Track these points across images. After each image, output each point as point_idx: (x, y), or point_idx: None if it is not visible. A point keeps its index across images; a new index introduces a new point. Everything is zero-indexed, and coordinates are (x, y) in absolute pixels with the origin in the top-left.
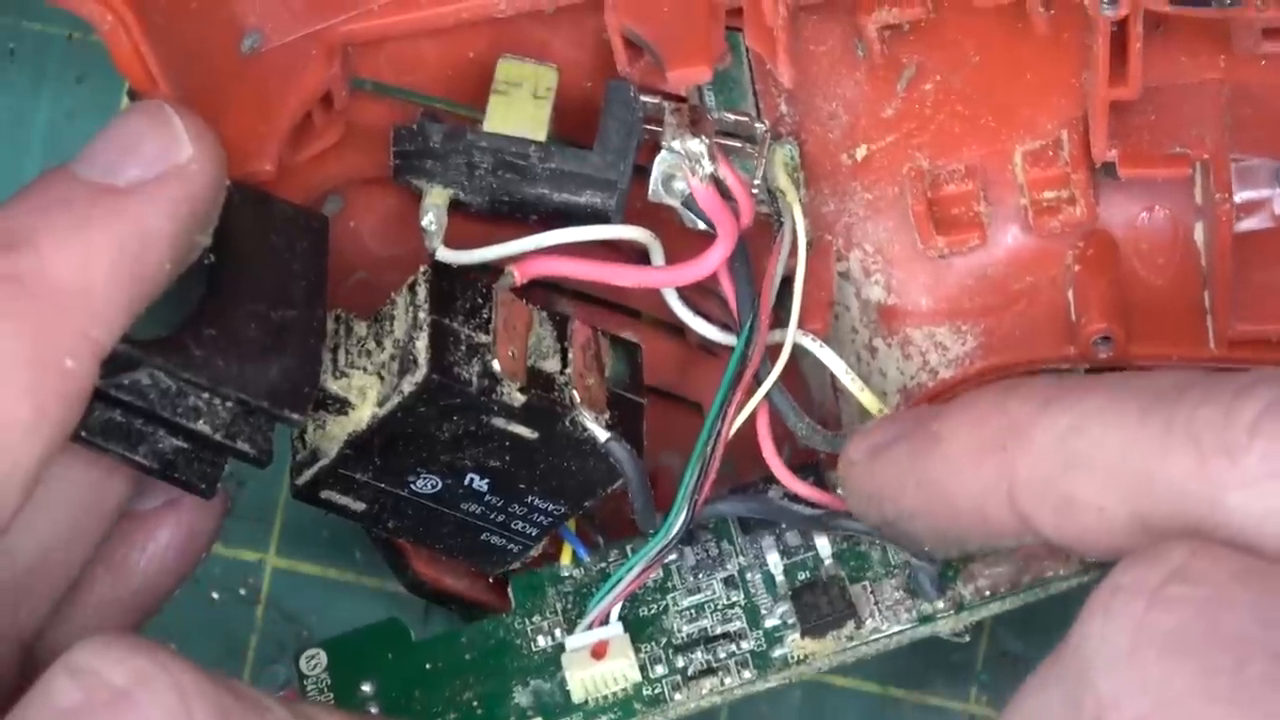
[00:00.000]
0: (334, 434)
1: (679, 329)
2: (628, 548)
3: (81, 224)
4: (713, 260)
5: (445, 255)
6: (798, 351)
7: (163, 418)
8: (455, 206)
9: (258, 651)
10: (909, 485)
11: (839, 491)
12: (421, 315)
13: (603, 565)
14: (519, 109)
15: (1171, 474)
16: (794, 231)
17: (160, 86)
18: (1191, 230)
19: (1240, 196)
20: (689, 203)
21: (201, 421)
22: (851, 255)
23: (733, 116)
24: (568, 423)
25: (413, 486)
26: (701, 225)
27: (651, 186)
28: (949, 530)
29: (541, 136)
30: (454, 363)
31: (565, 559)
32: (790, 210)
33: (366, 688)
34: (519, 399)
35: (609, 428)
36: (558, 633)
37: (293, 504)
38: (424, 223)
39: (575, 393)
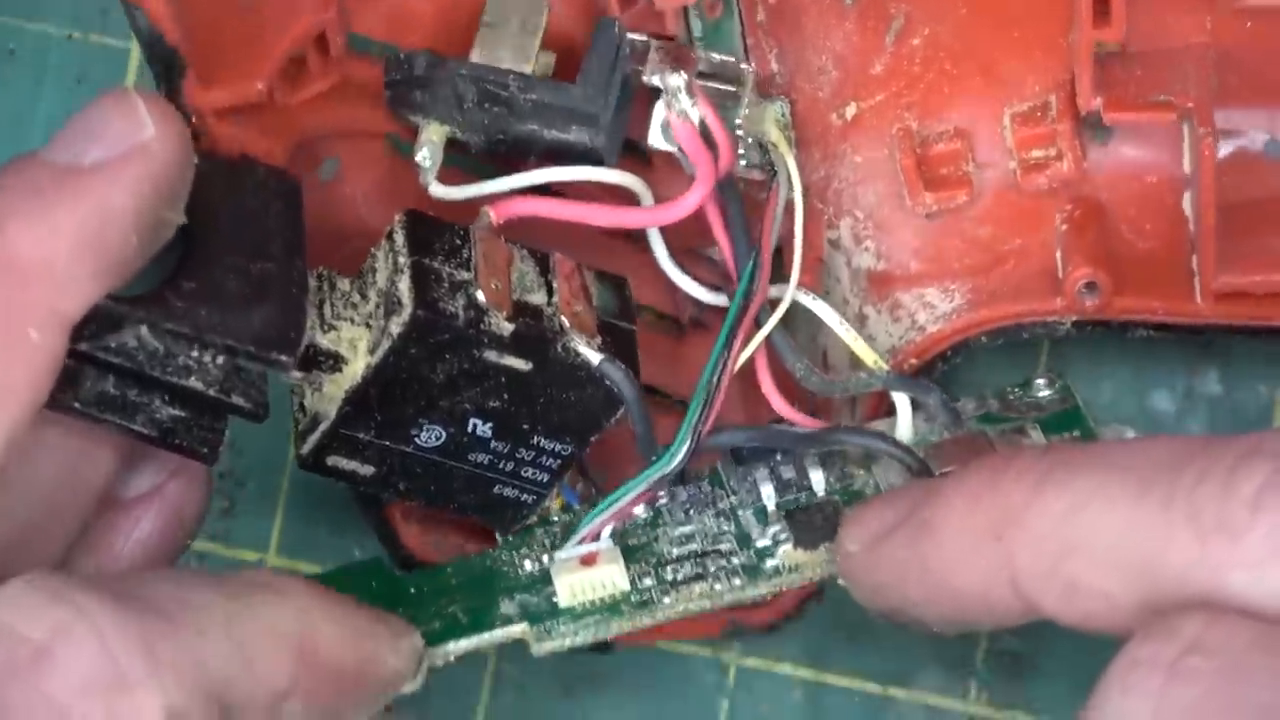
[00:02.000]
0: (331, 394)
1: (672, 321)
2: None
3: (44, 203)
4: (691, 200)
5: (438, 191)
6: (790, 308)
7: (154, 378)
8: (453, 146)
9: None
10: (910, 576)
11: (840, 581)
12: (401, 260)
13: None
14: (506, 41)
15: (1172, 556)
16: (789, 182)
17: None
18: (1181, 196)
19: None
20: None
21: (193, 379)
22: (842, 223)
23: (718, 57)
24: (559, 349)
25: (417, 441)
26: None
27: (651, 132)
28: (956, 616)
29: (528, 68)
30: (438, 298)
31: (556, 504)
32: (784, 161)
33: None
34: (507, 328)
35: (601, 351)
36: (545, 559)
37: (293, 504)
38: (418, 158)
39: (564, 318)
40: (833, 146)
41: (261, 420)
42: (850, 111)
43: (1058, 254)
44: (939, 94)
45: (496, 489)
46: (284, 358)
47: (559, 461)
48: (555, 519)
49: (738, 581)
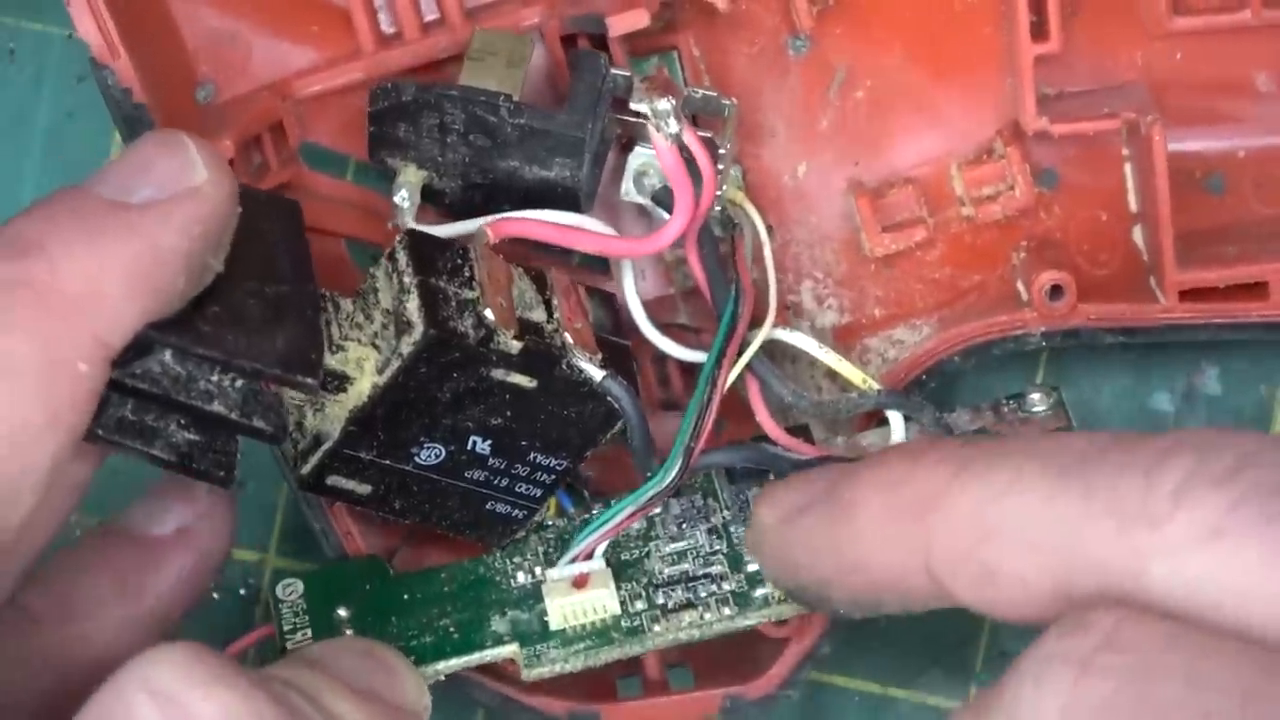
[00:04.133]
0: (335, 414)
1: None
2: (612, 502)
3: (94, 235)
4: (673, 229)
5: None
6: (768, 349)
7: (178, 403)
8: (428, 196)
9: (258, 651)
10: (823, 554)
11: (748, 553)
12: (407, 279)
13: (586, 517)
14: (492, 74)
15: (1092, 545)
16: (755, 228)
17: (121, 57)
18: (1130, 230)
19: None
20: (659, 196)
21: (216, 403)
22: (803, 287)
23: (701, 91)
24: (564, 366)
25: (417, 459)
26: None
27: (624, 184)
28: (865, 597)
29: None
30: (448, 317)
31: (550, 510)
32: (747, 212)
33: (342, 612)
34: (515, 346)
35: (603, 367)
36: (538, 570)
37: (293, 504)
38: (396, 199)
39: (567, 336)
40: (787, 210)
41: (281, 442)
42: (802, 170)
43: (1018, 282)
44: (886, 144)
45: (489, 505)
46: (309, 380)
47: (553, 476)
48: (550, 523)
49: (727, 611)
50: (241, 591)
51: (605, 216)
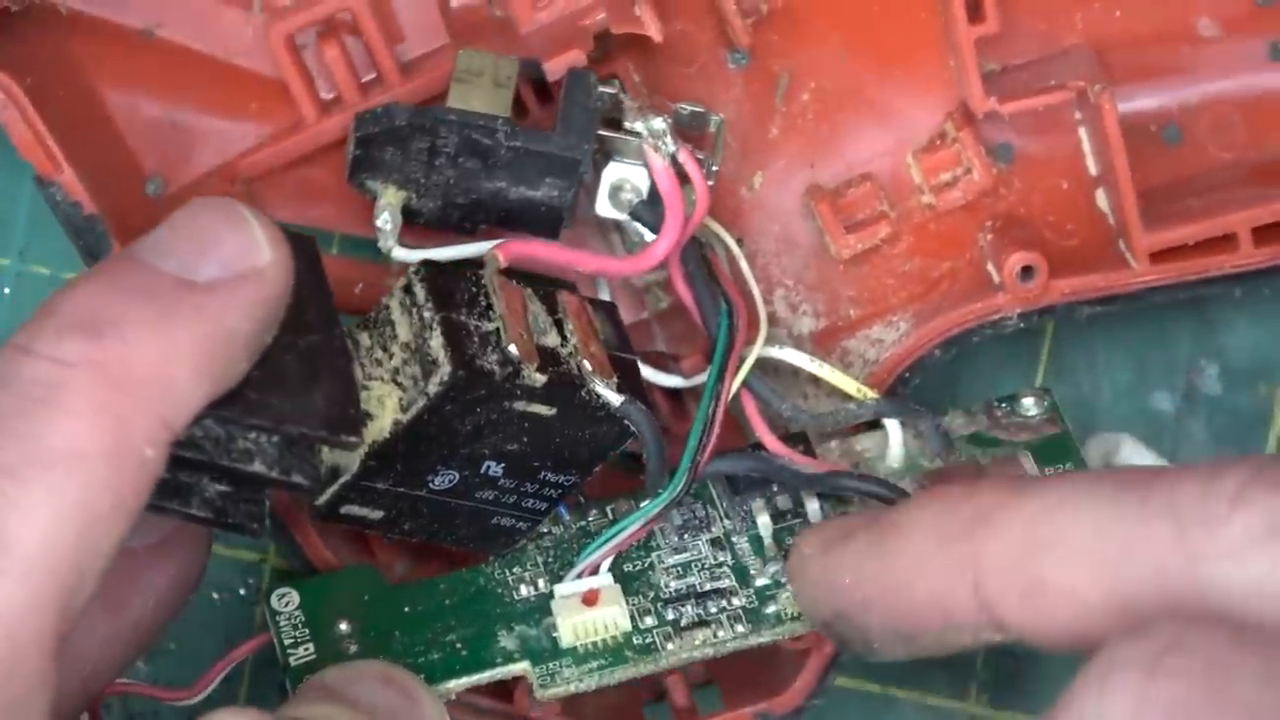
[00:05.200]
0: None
1: None
2: (608, 508)
3: (164, 317)
4: (661, 248)
5: (400, 255)
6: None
7: (221, 466)
8: (404, 215)
9: (257, 651)
10: (865, 574)
11: (788, 585)
12: (428, 315)
13: (583, 523)
14: (480, 95)
15: (1148, 548)
16: (724, 245)
17: (64, 171)
18: (1093, 196)
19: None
20: (638, 212)
21: (256, 462)
22: (775, 295)
23: (688, 107)
24: (584, 394)
25: (431, 485)
26: (649, 236)
27: (599, 199)
28: (904, 623)
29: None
30: (474, 356)
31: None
32: (710, 228)
33: (343, 627)
34: (539, 379)
35: (620, 391)
36: (540, 583)
37: None
38: (378, 222)
39: (586, 363)
40: (749, 222)
41: (318, 495)
42: (758, 181)
43: (988, 265)
44: (838, 143)
45: (495, 520)
46: (353, 438)
47: (561, 491)
48: (547, 530)
49: (741, 628)
50: (241, 591)
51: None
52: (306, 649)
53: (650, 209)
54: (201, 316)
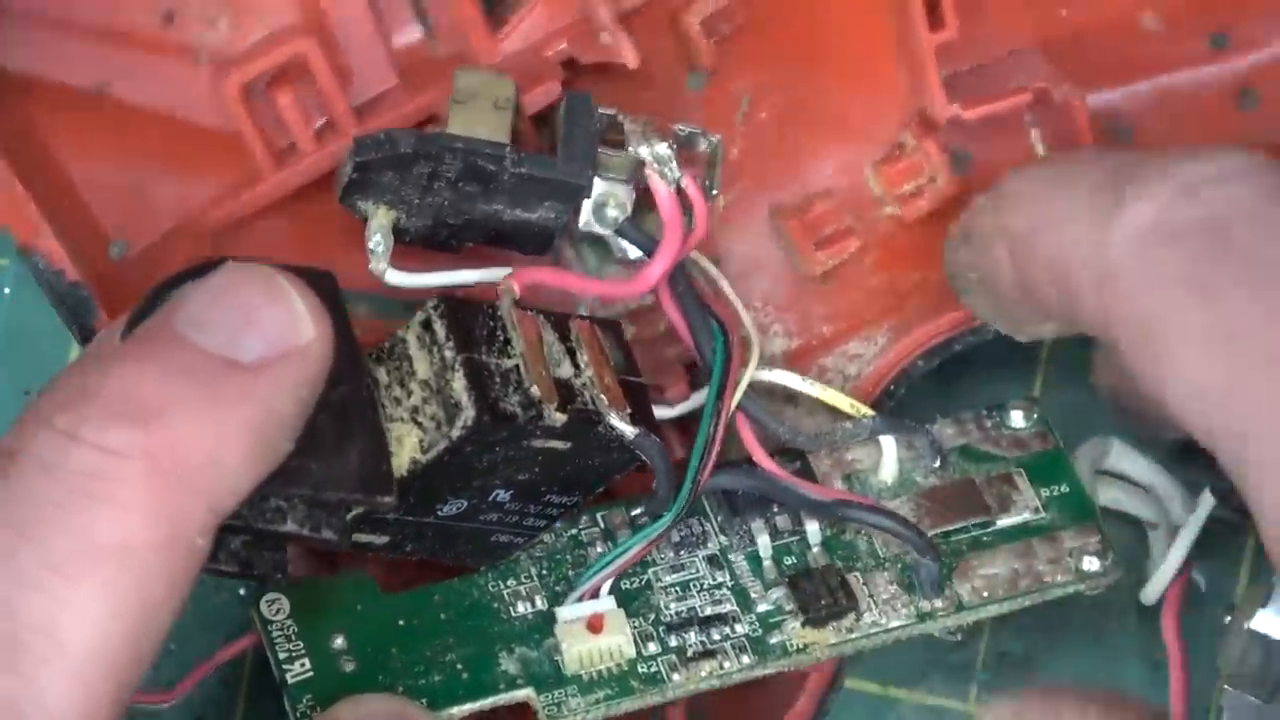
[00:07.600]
0: None
1: None
2: (599, 515)
3: (211, 401)
4: (656, 270)
5: (393, 279)
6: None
7: (255, 529)
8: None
9: (257, 652)
10: (996, 245)
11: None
12: (449, 354)
13: (573, 531)
14: (481, 118)
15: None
16: (699, 268)
17: (48, 237)
18: None
19: None
20: (623, 230)
21: (288, 522)
22: (745, 317)
23: (685, 128)
24: (600, 429)
25: (439, 512)
26: (633, 254)
27: (583, 216)
28: (1028, 293)
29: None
30: (497, 399)
31: None
32: (692, 255)
33: (339, 642)
34: (560, 419)
35: (634, 423)
36: (537, 600)
37: None
38: (371, 244)
39: (602, 396)
40: (715, 244)
41: (346, 549)
42: (722, 203)
43: None
44: (800, 160)
45: (494, 537)
46: (389, 500)
47: (562, 510)
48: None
49: (746, 660)
50: (241, 591)
51: None
52: (302, 664)
53: (635, 227)
54: (249, 400)
